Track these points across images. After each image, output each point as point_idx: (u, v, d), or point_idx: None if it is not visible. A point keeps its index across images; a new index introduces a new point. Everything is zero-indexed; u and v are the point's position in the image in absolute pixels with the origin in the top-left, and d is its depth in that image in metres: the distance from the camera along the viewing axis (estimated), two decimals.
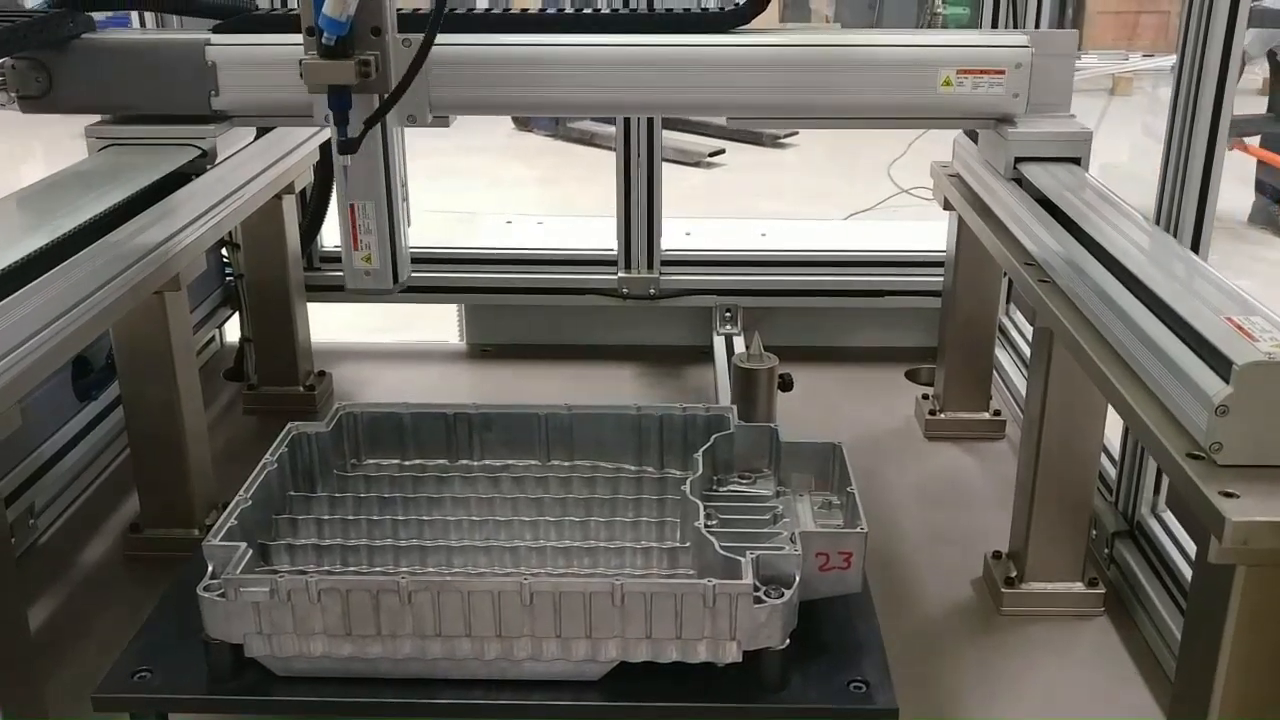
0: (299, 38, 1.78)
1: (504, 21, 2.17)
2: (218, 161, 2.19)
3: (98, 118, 2.18)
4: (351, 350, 3.14)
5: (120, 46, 2.14)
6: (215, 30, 2.16)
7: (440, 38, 1.90)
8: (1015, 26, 2.63)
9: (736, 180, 7.35)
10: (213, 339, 3.12)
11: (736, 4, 2.09)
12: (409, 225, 2.00)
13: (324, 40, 1.75)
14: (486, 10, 2.18)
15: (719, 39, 2.08)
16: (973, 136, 2.37)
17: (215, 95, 2.12)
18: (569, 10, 2.22)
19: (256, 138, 2.40)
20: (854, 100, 2.10)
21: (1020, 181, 2.08)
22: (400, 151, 1.97)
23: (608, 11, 2.24)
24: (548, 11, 2.20)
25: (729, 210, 6.54)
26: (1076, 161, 2.07)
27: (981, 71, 2.07)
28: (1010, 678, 1.91)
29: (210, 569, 1.50)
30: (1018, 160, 2.08)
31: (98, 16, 2.21)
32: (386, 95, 1.82)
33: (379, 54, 1.81)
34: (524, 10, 2.21)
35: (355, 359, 3.08)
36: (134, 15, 2.67)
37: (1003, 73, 2.07)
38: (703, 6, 2.19)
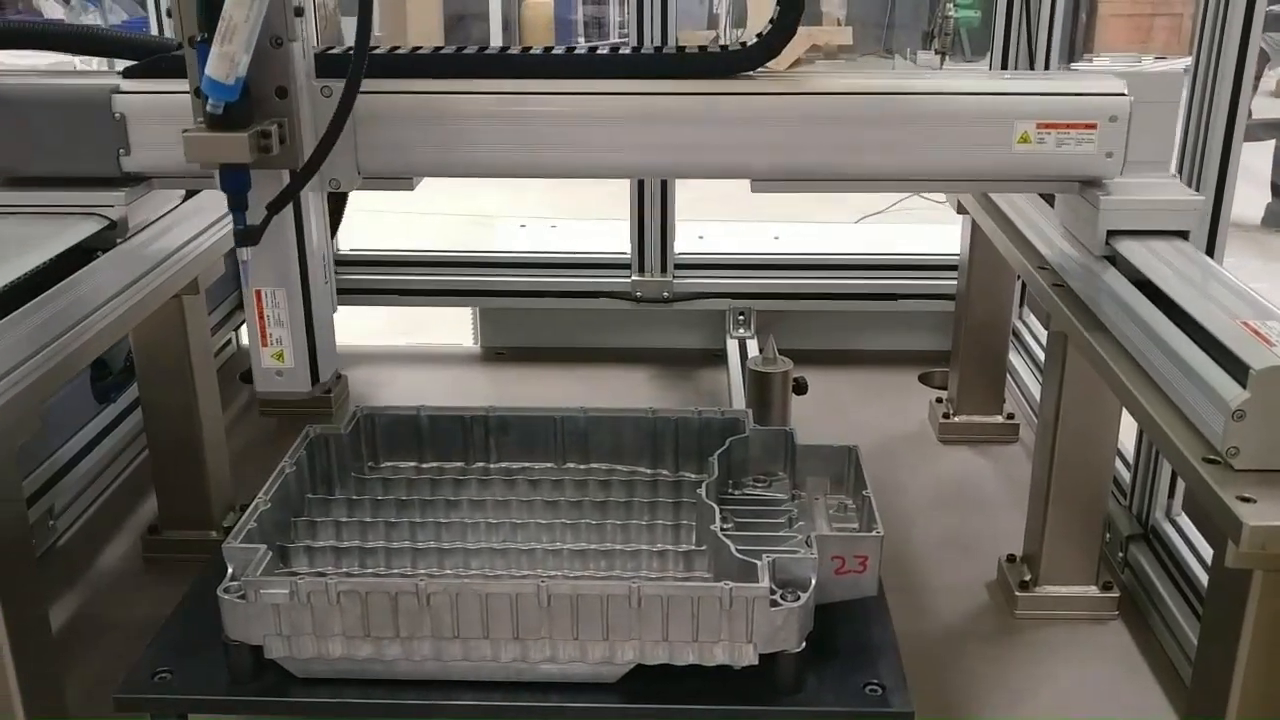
0: None
1: (461, 63, 1.77)
2: None
3: None
4: (366, 353, 3.15)
5: (6, 94, 1.78)
6: (127, 74, 1.76)
7: (378, 84, 1.63)
8: (1029, 31, 2.63)
9: (747, 183, 7.34)
10: (229, 341, 3.13)
11: (758, 35, 1.73)
12: (334, 311, 1.70)
13: (209, 107, 1.42)
14: (458, 49, 1.82)
15: (740, 86, 1.74)
16: (1048, 198, 2.03)
17: (125, 154, 1.75)
18: (559, 50, 1.80)
19: (184, 200, 2.03)
20: (906, 162, 1.75)
21: (1113, 260, 1.73)
22: (319, 220, 1.64)
23: (603, 52, 1.82)
24: (531, 51, 1.79)
25: (739, 213, 6.54)
26: (1184, 236, 1.73)
27: (1068, 125, 1.71)
28: (1024, 681, 1.91)
29: (230, 571, 1.51)
30: (1110, 234, 1.73)
31: None
32: (298, 170, 1.51)
33: (286, 120, 1.50)
34: (504, 49, 1.83)
35: (370, 362, 3.09)
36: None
37: (1094, 126, 1.71)
38: (723, 46, 1.77)
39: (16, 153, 1.79)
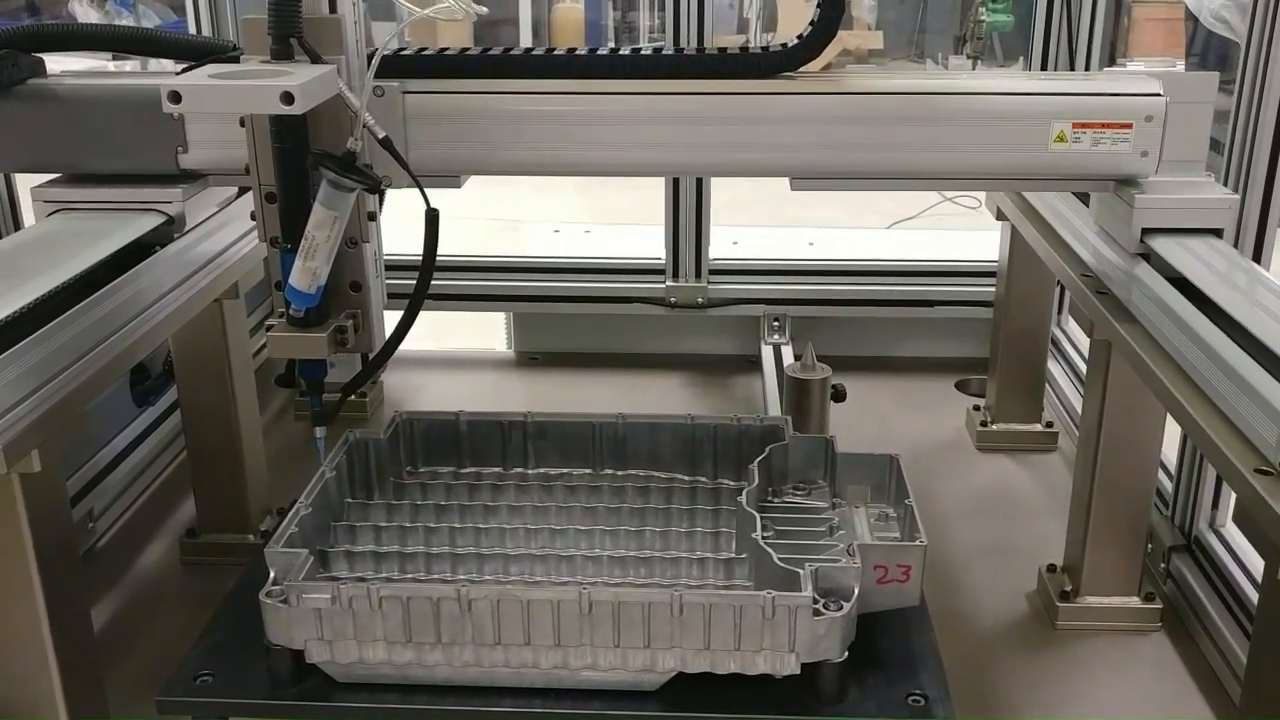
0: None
1: (508, 64, 1.81)
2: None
3: (46, 177, 1.91)
4: (400, 358, 3.13)
5: (71, 94, 1.87)
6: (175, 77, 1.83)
7: (421, 84, 1.73)
8: (1070, 34, 2.61)
9: (778, 187, 7.33)
10: (264, 345, 3.15)
11: (800, 37, 1.78)
12: (384, 304, 1.77)
13: (291, 311, 1.57)
14: (505, 50, 1.84)
15: (781, 86, 1.78)
16: (1082, 197, 2.07)
17: (183, 152, 1.83)
18: (604, 51, 1.84)
19: (238, 196, 2.08)
20: (945, 160, 1.78)
21: (1147, 257, 1.77)
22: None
23: (643, 53, 1.85)
24: (576, 52, 1.83)
25: (771, 218, 6.53)
26: (1218, 234, 1.76)
27: (1104, 125, 1.75)
28: (1066, 693, 1.90)
29: (272, 575, 1.51)
30: (1144, 232, 1.77)
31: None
32: (371, 356, 1.67)
33: (359, 312, 1.64)
34: (550, 50, 1.86)
35: (404, 366, 3.10)
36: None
37: (1129, 126, 1.75)
38: (764, 45, 1.84)
39: (81, 150, 1.86)
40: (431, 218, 1.59)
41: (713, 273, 3.07)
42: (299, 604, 1.46)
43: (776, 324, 3.09)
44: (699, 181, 2.96)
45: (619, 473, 1.92)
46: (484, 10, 1.59)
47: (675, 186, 2.98)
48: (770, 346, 3.04)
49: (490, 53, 1.81)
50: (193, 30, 2.88)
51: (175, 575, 2.22)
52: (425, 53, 1.79)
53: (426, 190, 1.61)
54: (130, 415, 2.46)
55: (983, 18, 9.11)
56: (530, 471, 1.93)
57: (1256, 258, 1.93)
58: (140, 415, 2.49)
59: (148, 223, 1.84)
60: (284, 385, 2.93)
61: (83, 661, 1.57)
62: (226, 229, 2.02)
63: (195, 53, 1.90)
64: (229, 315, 2.07)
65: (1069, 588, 2.05)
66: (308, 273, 1.55)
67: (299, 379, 2.88)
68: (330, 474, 1.76)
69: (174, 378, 2.20)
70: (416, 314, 1.63)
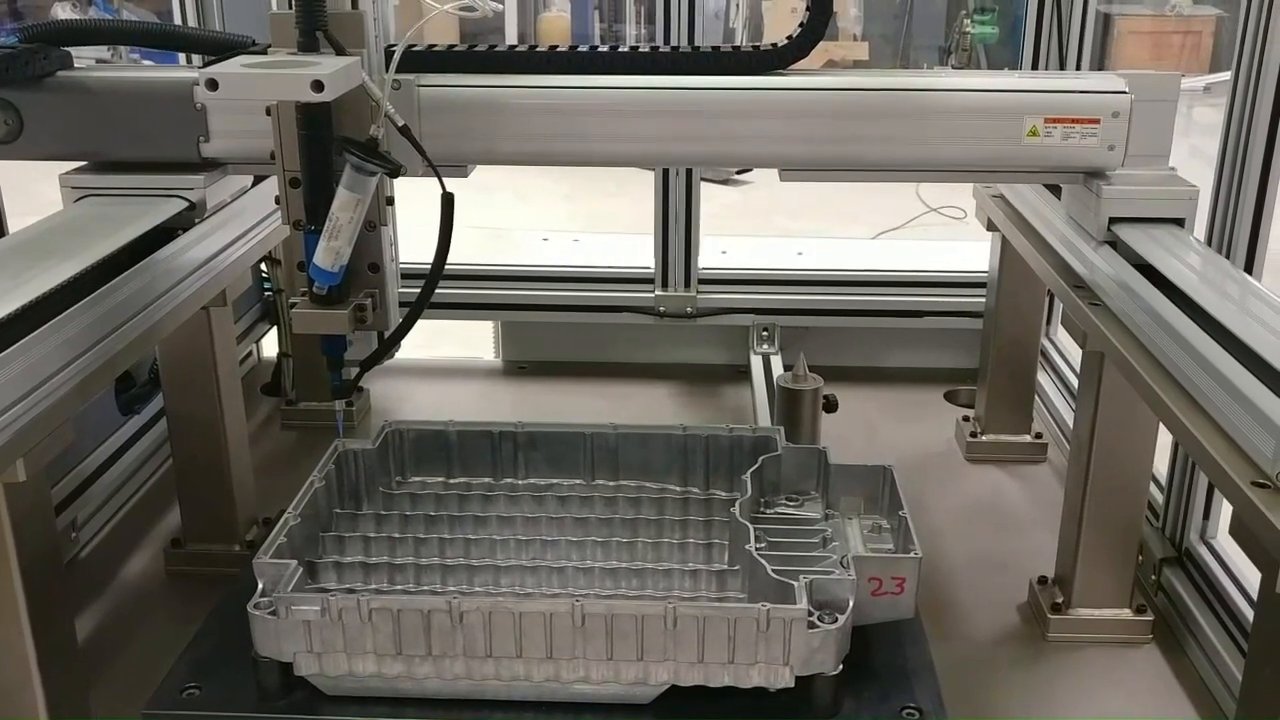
0: None
1: (515, 59, 1.90)
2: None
3: (73, 165, 1.97)
4: (388, 366, 3.12)
5: (99, 86, 1.93)
6: (207, 68, 1.90)
7: (434, 78, 1.82)
8: (1060, 47, 2.62)
9: (765, 198, 7.34)
10: (250, 353, 3.13)
11: (790, 37, 1.87)
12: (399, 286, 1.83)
13: (315, 289, 1.65)
14: (491, 47, 1.94)
15: (768, 81, 1.87)
16: (1054, 190, 2.15)
17: (205, 141, 1.91)
18: (604, 49, 1.92)
19: (253, 185, 2.16)
20: (925, 153, 1.88)
21: (1114, 245, 1.85)
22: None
23: (627, 50, 1.96)
24: (558, 49, 1.93)
25: (758, 229, 6.53)
26: (1180, 223, 1.85)
27: (1074, 120, 1.84)
28: (1058, 705, 1.89)
29: (261, 586, 1.50)
30: (1111, 221, 1.86)
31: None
32: (387, 334, 1.75)
33: (377, 292, 1.72)
34: (553, 47, 1.93)
35: (391, 375, 3.08)
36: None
37: (1097, 121, 1.85)
38: (754, 45, 1.91)
39: (107, 139, 1.94)
40: (447, 200, 1.67)
41: (702, 282, 3.06)
42: (288, 616, 1.45)
43: (765, 334, 3.08)
44: (688, 191, 2.96)
45: (611, 483, 1.91)
46: (499, 7, 1.66)
47: (665, 195, 2.97)
48: (759, 356, 3.03)
49: (497, 49, 1.90)
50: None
51: (160, 586, 2.19)
52: (436, 49, 1.89)
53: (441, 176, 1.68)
54: (115, 423, 2.43)
55: (968, 29, 9.17)
56: (521, 482, 1.92)
57: (1248, 269, 1.93)
58: (125, 423, 2.46)
59: (170, 208, 1.90)
60: (270, 394, 2.94)
61: (67, 673, 1.54)
62: (214, 236, 2.00)
63: (220, 47, 1.98)
64: (216, 323, 2.05)
65: (1060, 600, 2.05)
66: (331, 252, 1.61)
67: (284, 388, 2.86)
68: (319, 484, 1.74)
69: (159, 385, 2.18)
70: (434, 288, 1.67)
